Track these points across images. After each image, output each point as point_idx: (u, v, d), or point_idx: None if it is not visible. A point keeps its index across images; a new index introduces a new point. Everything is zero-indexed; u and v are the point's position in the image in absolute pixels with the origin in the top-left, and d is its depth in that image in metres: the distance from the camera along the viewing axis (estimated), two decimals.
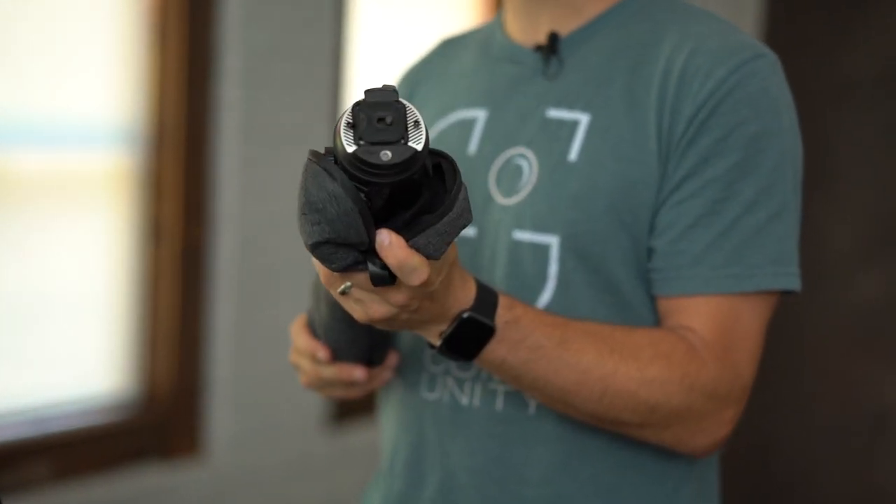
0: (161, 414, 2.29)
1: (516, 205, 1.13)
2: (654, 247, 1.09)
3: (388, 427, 1.24)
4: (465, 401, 1.15)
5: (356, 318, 0.94)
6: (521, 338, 1.01)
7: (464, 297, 0.98)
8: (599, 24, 1.16)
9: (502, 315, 1.00)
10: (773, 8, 3.40)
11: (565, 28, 1.17)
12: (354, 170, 0.82)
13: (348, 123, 0.82)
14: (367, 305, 0.92)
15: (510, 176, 1.14)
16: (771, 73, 1.09)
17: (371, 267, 0.87)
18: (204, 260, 2.29)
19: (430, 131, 1.23)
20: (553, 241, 1.10)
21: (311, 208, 0.84)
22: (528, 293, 1.11)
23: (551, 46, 1.16)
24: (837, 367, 3.28)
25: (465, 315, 0.98)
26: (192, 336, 2.31)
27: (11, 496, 2.02)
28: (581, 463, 1.12)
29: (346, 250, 0.86)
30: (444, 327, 0.99)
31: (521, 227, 1.12)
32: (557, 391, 1.04)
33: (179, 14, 2.20)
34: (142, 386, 2.30)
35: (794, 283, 1.09)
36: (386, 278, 0.87)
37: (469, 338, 0.99)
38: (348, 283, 0.90)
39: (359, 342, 1.11)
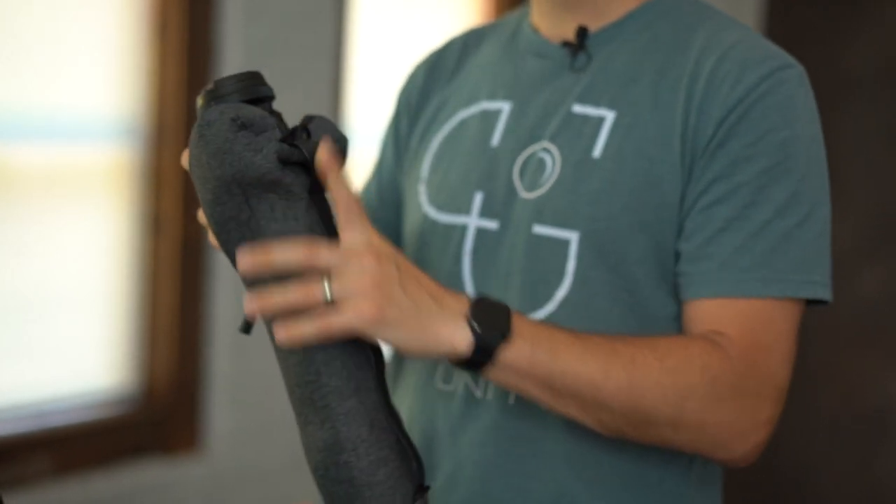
0: (160, 409, 2.29)
1: (537, 199, 1.13)
2: (681, 250, 1.08)
3: None
4: (478, 393, 1.15)
5: (364, 314, 0.91)
6: (535, 329, 1.00)
7: (453, 293, 0.98)
8: (626, 23, 1.16)
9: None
10: (772, 3, 3.40)
11: (591, 28, 1.17)
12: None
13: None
14: (354, 279, 0.91)
15: (533, 170, 1.14)
16: (799, 84, 1.09)
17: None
18: (203, 254, 2.29)
19: (451, 121, 1.23)
20: (573, 236, 1.10)
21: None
22: (544, 288, 1.11)
23: (579, 41, 1.16)
24: (839, 364, 3.28)
25: (475, 297, 0.98)
26: (191, 331, 2.30)
27: (11, 490, 2.01)
28: (587, 462, 1.12)
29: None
30: (464, 310, 0.96)
31: (542, 221, 1.12)
32: (588, 385, 1.01)
33: (179, 8, 2.20)
34: (141, 381, 2.30)
35: (820, 291, 1.08)
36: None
37: (493, 313, 0.97)
38: (327, 292, 0.91)
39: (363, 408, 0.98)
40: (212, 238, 1.06)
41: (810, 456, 3.34)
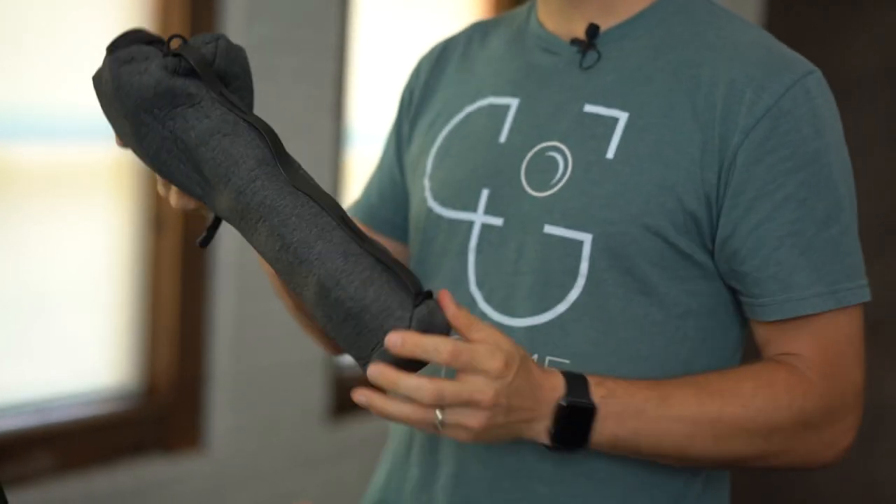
0: (162, 406, 2.29)
1: (549, 199, 1.12)
2: (740, 272, 1.09)
3: None
4: None
5: (462, 441, 0.99)
6: (622, 409, 1.03)
7: (553, 385, 1.01)
8: (637, 21, 1.15)
9: (596, 392, 1.03)
10: (772, 3, 3.40)
11: (601, 25, 1.16)
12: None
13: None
14: (465, 419, 0.96)
15: (543, 169, 1.13)
16: (822, 91, 1.10)
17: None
18: (205, 253, 2.29)
19: (456, 115, 1.23)
20: (586, 238, 1.10)
21: None
22: (556, 289, 1.11)
23: (590, 39, 1.15)
24: None
25: (563, 402, 1.01)
26: (193, 328, 2.31)
27: (13, 487, 2.02)
28: (597, 463, 1.12)
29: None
30: (547, 423, 1.01)
31: (554, 222, 1.11)
32: (674, 449, 1.06)
33: (181, 7, 2.20)
34: (143, 378, 2.30)
35: (868, 294, 1.12)
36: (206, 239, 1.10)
37: (575, 424, 1.02)
38: (439, 417, 0.95)
39: None
40: (161, 188, 1.11)
41: None
